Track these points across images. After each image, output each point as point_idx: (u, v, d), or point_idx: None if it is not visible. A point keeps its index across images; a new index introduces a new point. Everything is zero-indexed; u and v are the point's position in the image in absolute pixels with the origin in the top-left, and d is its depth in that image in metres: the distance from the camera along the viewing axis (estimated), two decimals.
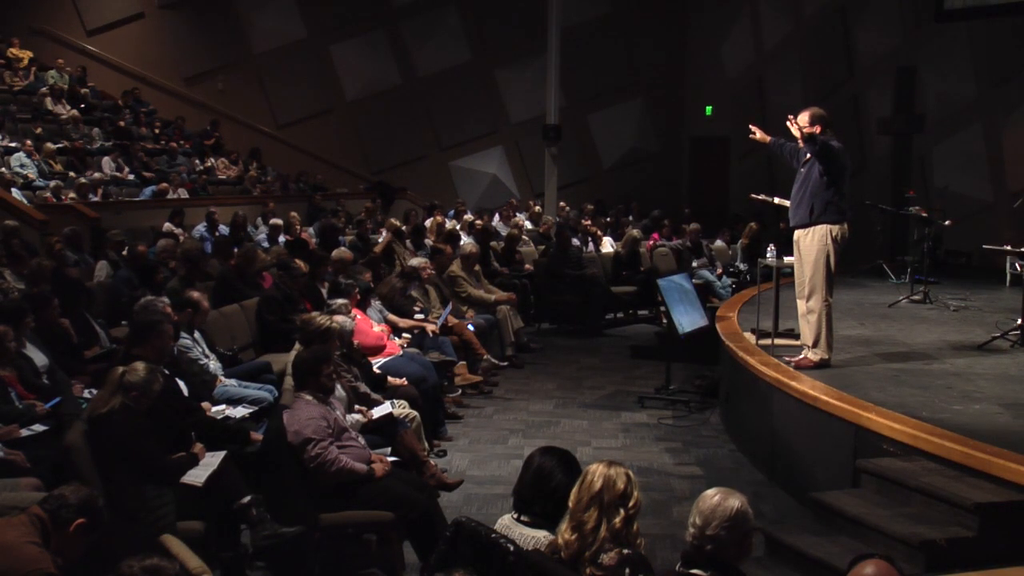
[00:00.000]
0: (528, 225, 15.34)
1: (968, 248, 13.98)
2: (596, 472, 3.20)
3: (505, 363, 9.80)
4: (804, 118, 6.40)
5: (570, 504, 3.21)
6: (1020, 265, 10.55)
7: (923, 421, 5.21)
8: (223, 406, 5.94)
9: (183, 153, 16.82)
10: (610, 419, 7.93)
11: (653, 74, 20.22)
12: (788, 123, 6.39)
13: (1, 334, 5.43)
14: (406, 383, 6.82)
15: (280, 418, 4.86)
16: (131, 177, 14.96)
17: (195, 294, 6.82)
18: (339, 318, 6.23)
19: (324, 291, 8.34)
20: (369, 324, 7.68)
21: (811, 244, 6.38)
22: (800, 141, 6.37)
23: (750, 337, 7.56)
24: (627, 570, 3.03)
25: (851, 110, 17.19)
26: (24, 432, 5.10)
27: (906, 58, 16.52)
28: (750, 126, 6.91)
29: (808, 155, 6.41)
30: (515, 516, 3.43)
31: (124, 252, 9.95)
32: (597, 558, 3.09)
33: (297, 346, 6.13)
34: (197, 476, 4.64)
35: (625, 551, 3.08)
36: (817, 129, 6.33)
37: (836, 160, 6.28)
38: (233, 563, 4.75)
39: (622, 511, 3.14)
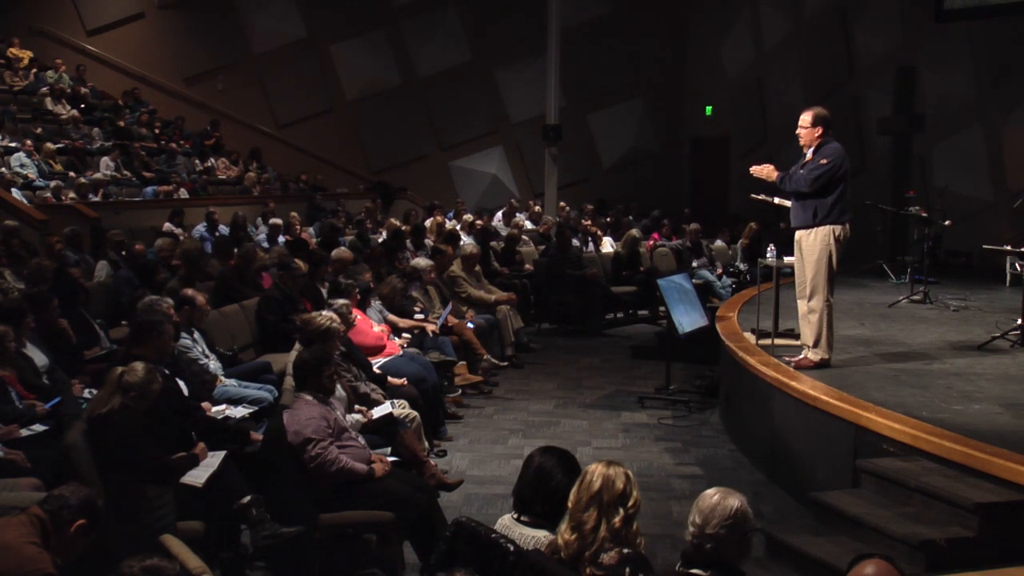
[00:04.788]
0: (528, 225, 15.34)
1: (968, 248, 13.97)
2: (595, 472, 3.20)
3: (505, 363, 9.80)
4: (807, 118, 6.40)
5: (569, 504, 3.21)
6: (1020, 265, 10.55)
7: (923, 421, 5.21)
8: (223, 406, 5.94)
9: (183, 153, 16.81)
10: (610, 419, 7.93)
11: (653, 74, 20.20)
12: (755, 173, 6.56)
13: (1, 334, 5.44)
14: (406, 383, 6.82)
15: (280, 418, 4.86)
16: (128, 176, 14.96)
17: (190, 291, 6.81)
18: (327, 313, 6.20)
19: (324, 291, 8.34)
20: (369, 324, 7.67)
21: (813, 244, 6.37)
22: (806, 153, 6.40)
23: (750, 337, 7.56)
24: (627, 570, 3.03)
25: (851, 110, 17.17)
26: (24, 432, 5.10)
27: (906, 58, 16.51)
28: (752, 169, 6.67)
29: (807, 158, 6.41)
30: (515, 516, 3.43)
31: (123, 252, 9.95)
32: (597, 558, 3.09)
33: (297, 346, 6.13)
34: (197, 476, 4.64)
35: (625, 551, 3.08)
36: (819, 131, 6.34)
37: (832, 176, 6.26)
38: (233, 563, 4.75)
39: (621, 511, 3.14)
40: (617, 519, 3.13)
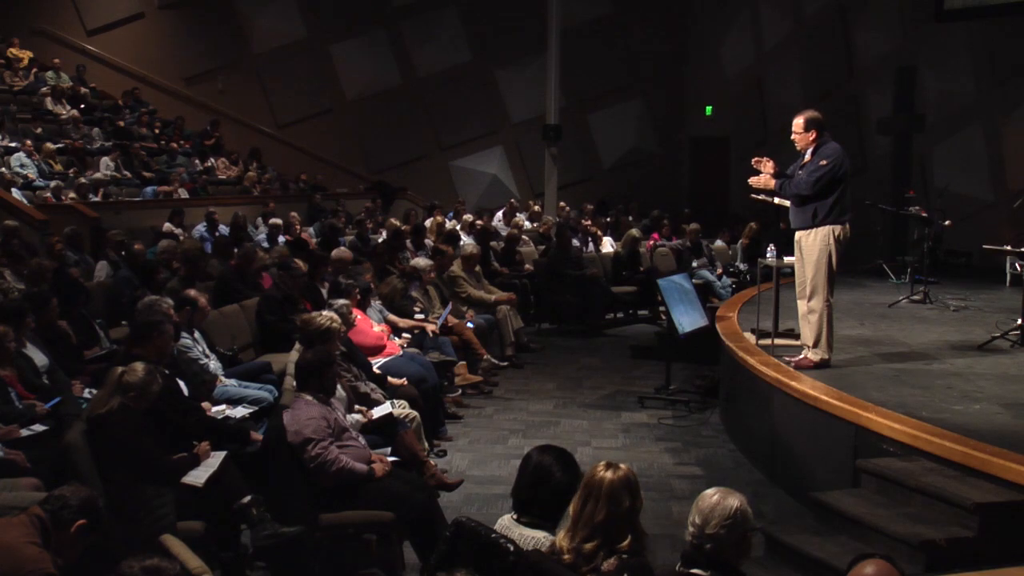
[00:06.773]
0: (528, 225, 15.34)
1: (968, 248, 13.98)
2: (597, 473, 3.20)
3: (505, 363, 9.80)
4: (799, 123, 6.40)
5: (571, 505, 3.21)
6: (1020, 265, 10.56)
7: (923, 421, 5.21)
8: (223, 406, 5.94)
9: (183, 153, 16.82)
10: (610, 419, 7.93)
11: (653, 74, 20.21)
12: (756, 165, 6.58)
13: (1, 334, 5.43)
14: (406, 383, 6.82)
15: (280, 418, 4.86)
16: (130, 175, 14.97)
17: (192, 292, 6.82)
18: (327, 313, 6.20)
19: (324, 291, 8.34)
20: (369, 324, 7.67)
21: (813, 244, 6.37)
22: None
23: (750, 337, 7.56)
24: (625, 574, 3.03)
25: (851, 110, 17.18)
26: (24, 432, 5.10)
27: (906, 58, 16.52)
28: (751, 180, 6.68)
29: (806, 159, 6.40)
30: (515, 516, 3.43)
31: (123, 252, 9.95)
32: (596, 561, 3.09)
33: (297, 346, 6.13)
34: (197, 476, 4.65)
35: (624, 556, 3.08)
36: (812, 135, 6.34)
37: (832, 177, 6.26)
38: (233, 563, 4.75)
39: (623, 512, 3.14)
40: (618, 521, 3.12)
